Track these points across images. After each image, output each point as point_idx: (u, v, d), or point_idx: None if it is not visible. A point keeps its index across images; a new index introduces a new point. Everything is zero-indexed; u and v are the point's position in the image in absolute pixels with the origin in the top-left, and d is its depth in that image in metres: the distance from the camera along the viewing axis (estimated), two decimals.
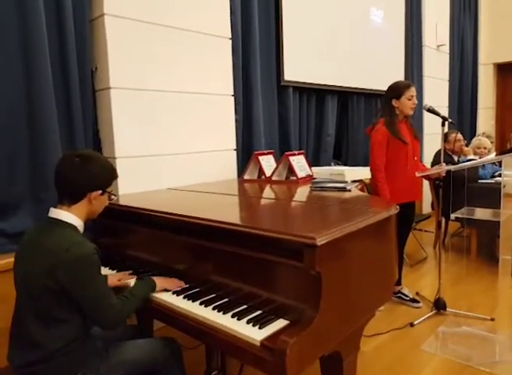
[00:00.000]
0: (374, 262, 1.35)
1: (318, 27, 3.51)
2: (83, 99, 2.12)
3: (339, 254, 1.17)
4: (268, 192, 2.15)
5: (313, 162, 3.56)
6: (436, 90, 5.17)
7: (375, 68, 4.09)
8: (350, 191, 1.90)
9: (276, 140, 3.29)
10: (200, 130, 2.60)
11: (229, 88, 2.79)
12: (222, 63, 2.73)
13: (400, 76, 4.39)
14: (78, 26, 2.07)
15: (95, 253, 1.19)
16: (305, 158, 2.56)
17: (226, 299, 1.31)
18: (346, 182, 2.13)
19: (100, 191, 1.29)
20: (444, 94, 5.43)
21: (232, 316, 1.20)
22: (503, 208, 2.35)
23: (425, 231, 4.21)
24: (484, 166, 3.55)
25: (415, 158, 2.56)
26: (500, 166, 3.33)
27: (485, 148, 3.80)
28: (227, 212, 1.65)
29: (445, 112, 5.14)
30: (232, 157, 2.84)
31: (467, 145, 3.94)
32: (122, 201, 1.82)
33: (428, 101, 4.48)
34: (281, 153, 3.03)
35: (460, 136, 3.60)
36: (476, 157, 3.67)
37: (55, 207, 1.27)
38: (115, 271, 1.64)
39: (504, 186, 2.39)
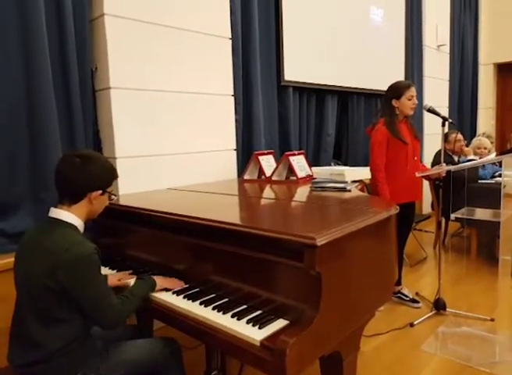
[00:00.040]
0: (374, 263, 1.35)
1: (318, 27, 3.51)
2: (83, 99, 2.12)
3: (339, 254, 1.17)
4: (268, 192, 2.15)
5: (313, 162, 3.55)
6: (436, 90, 5.17)
7: (375, 68, 4.09)
8: (350, 191, 1.90)
9: (276, 140, 3.29)
10: (201, 130, 2.60)
11: (229, 88, 2.79)
12: (222, 63, 2.73)
13: (400, 76, 4.39)
14: (78, 26, 2.07)
15: (95, 253, 1.20)
16: (305, 158, 2.56)
17: (226, 299, 1.31)
18: (346, 182, 2.13)
19: (100, 191, 1.29)
20: (444, 94, 5.43)
21: (232, 316, 1.20)
22: (503, 208, 2.35)
23: (425, 231, 4.21)
24: (484, 166, 3.55)
25: (415, 158, 2.56)
26: (500, 166, 3.33)
27: (485, 148, 3.80)
28: (227, 212, 1.66)
29: (445, 113, 5.14)
30: (232, 157, 2.84)
31: (467, 145, 3.94)
32: (123, 201, 1.82)
33: (428, 101, 4.48)
34: (281, 153, 3.03)
35: (460, 136, 3.60)
36: (476, 157, 3.67)
37: (55, 207, 1.27)
38: (115, 271, 1.64)
39: (504, 186, 2.39)
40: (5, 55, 1.85)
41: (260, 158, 2.58)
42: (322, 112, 3.74)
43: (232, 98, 2.82)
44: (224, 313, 1.22)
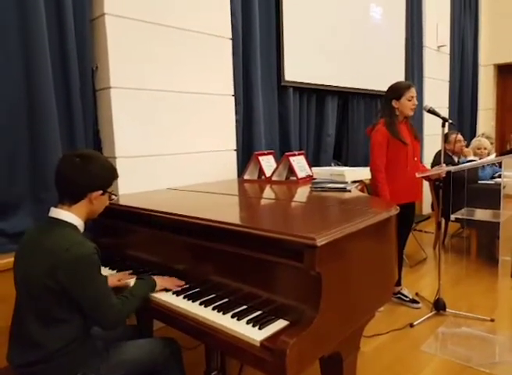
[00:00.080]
0: (374, 263, 1.35)
1: (319, 27, 3.51)
2: (84, 99, 2.12)
3: (339, 254, 1.17)
4: (268, 192, 2.15)
5: (313, 162, 3.55)
6: (436, 91, 5.17)
7: (376, 68, 4.09)
8: (350, 191, 1.90)
9: (276, 140, 3.29)
10: (201, 130, 2.60)
11: (230, 88, 2.79)
12: (223, 63, 2.73)
13: (400, 76, 4.39)
14: (78, 25, 2.07)
15: (95, 253, 1.19)
16: (305, 158, 2.56)
17: (226, 299, 1.31)
18: (346, 182, 2.13)
19: (100, 191, 1.29)
20: (444, 95, 5.43)
21: (232, 317, 1.20)
22: (502, 209, 2.35)
23: (425, 232, 4.21)
24: (483, 167, 3.55)
25: (415, 158, 2.56)
26: (500, 167, 3.34)
27: (485, 149, 3.80)
28: (227, 212, 1.65)
29: (445, 113, 5.14)
30: (233, 157, 2.84)
31: (467, 146, 3.94)
32: (123, 201, 1.82)
33: (428, 102, 4.48)
34: (281, 153, 3.03)
35: (460, 137, 3.60)
36: (476, 158, 3.67)
37: (55, 207, 1.27)
38: (115, 271, 1.64)
39: (504, 187, 2.39)
40: (5, 54, 1.85)
41: (260, 158, 2.58)
42: (322, 113, 3.74)
43: (233, 98, 2.82)
44: (224, 313, 1.22)
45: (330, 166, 3.68)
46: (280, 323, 1.14)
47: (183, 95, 2.49)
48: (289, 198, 2.00)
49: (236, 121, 2.86)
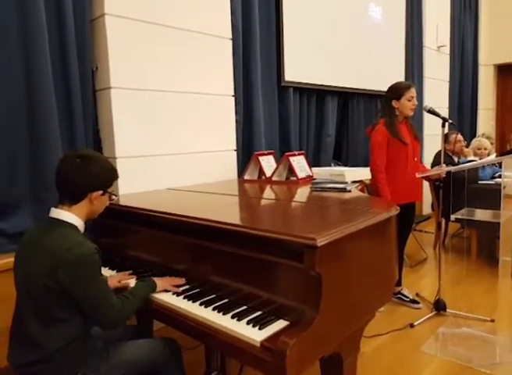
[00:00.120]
0: (374, 263, 1.35)
1: (319, 27, 3.51)
2: (84, 99, 2.12)
3: (339, 255, 1.17)
4: (268, 193, 2.15)
5: (313, 162, 3.55)
6: (436, 91, 5.17)
7: (376, 68, 4.09)
8: (350, 191, 1.90)
9: (276, 140, 3.29)
10: (201, 130, 2.60)
11: (230, 88, 2.79)
12: (223, 63, 2.73)
13: (400, 76, 4.39)
14: (78, 25, 2.07)
15: (96, 253, 1.19)
16: (305, 158, 2.56)
17: (226, 300, 1.30)
18: (346, 183, 2.13)
19: (101, 192, 1.29)
20: (444, 95, 5.43)
21: (232, 317, 1.19)
22: (503, 209, 2.35)
23: (425, 232, 4.21)
24: (484, 167, 3.55)
25: (415, 159, 2.56)
26: (500, 167, 3.33)
27: (485, 149, 3.80)
28: (227, 212, 1.65)
29: (445, 113, 5.14)
30: (233, 157, 2.84)
31: (467, 146, 3.94)
32: (123, 202, 1.82)
33: (428, 102, 4.48)
34: (281, 153, 3.03)
35: (460, 137, 3.60)
36: (476, 158, 3.67)
37: (55, 207, 1.27)
38: (115, 271, 1.64)
39: (504, 187, 2.39)
40: (5, 54, 1.85)
41: (260, 158, 2.58)
42: (322, 113, 3.74)
43: (233, 98, 2.82)
44: (224, 314, 1.22)
45: (330, 166, 3.68)
46: (280, 324, 1.14)
47: (183, 95, 2.49)
48: (290, 198, 2.00)
49: (236, 121, 2.86)
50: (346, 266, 1.20)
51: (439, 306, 2.50)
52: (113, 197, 1.39)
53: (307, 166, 2.52)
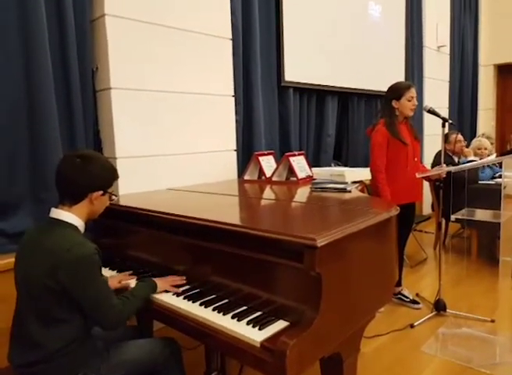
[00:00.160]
0: (374, 263, 1.35)
1: (319, 27, 3.51)
2: (84, 99, 2.12)
3: (339, 255, 1.17)
4: (268, 193, 2.15)
5: (313, 162, 3.55)
6: (436, 91, 5.17)
7: (376, 69, 4.09)
8: (350, 191, 1.90)
9: (276, 140, 3.29)
10: (201, 130, 2.60)
11: (230, 89, 2.79)
12: (223, 64, 2.73)
13: (400, 77, 4.39)
14: (79, 26, 2.07)
15: (96, 253, 1.19)
16: (305, 158, 2.56)
17: (226, 300, 1.30)
18: (346, 183, 2.13)
19: (101, 192, 1.29)
20: (444, 95, 5.43)
21: (233, 317, 1.19)
22: (503, 209, 2.35)
23: (425, 232, 4.21)
24: (483, 167, 3.55)
25: (415, 159, 2.56)
26: (500, 167, 3.33)
27: (485, 149, 3.80)
28: (227, 212, 1.65)
29: (445, 114, 5.14)
30: (233, 157, 2.84)
31: (467, 146, 3.94)
32: (123, 202, 1.82)
33: (428, 102, 4.48)
34: (281, 154, 3.03)
35: (460, 137, 3.60)
36: (476, 158, 3.67)
37: (55, 207, 1.27)
38: (115, 271, 1.64)
39: (504, 187, 2.39)
40: (6, 54, 1.85)
41: (260, 158, 2.57)
42: (322, 113, 3.74)
43: (233, 98, 2.82)
44: (224, 314, 1.22)
45: (330, 166, 3.68)
46: (280, 324, 1.14)
47: (183, 96, 2.49)
48: (290, 198, 2.00)
49: (236, 121, 2.86)
50: (346, 266, 1.20)
51: (439, 306, 2.50)
52: (113, 197, 1.39)
53: (307, 167, 2.52)
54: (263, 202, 1.91)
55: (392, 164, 2.46)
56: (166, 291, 1.39)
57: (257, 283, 1.25)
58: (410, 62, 4.60)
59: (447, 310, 2.49)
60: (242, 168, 2.83)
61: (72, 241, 1.19)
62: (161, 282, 1.40)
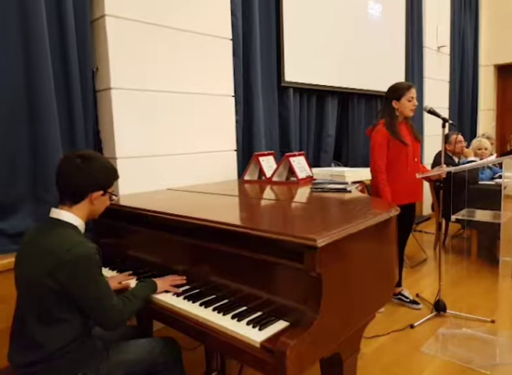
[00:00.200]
0: (374, 264, 1.35)
1: (319, 28, 3.51)
2: (84, 99, 2.12)
3: (339, 255, 1.17)
4: (268, 193, 2.15)
5: (313, 162, 3.56)
6: (437, 91, 5.17)
7: (376, 69, 4.09)
8: (350, 192, 1.90)
9: (277, 140, 3.29)
10: (201, 130, 2.60)
11: (230, 89, 2.79)
12: (223, 64, 2.73)
13: (400, 77, 4.39)
14: (79, 26, 2.07)
15: (96, 253, 1.20)
16: (305, 159, 2.56)
17: (226, 300, 1.31)
18: (346, 183, 2.13)
19: (101, 192, 1.29)
20: (444, 95, 5.43)
21: (233, 318, 1.19)
22: (503, 210, 2.34)
23: (425, 233, 4.21)
24: (483, 168, 3.55)
25: (415, 159, 2.56)
26: (500, 167, 3.33)
27: (485, 149, 3.80)
28: (227, 212, 1.65)
29: (445, 114, 5.14)
30: (233, 158, 2.84)
31: (467, 147, 3.94)
32: (123, 202, 1.82)
33: (428, 102, 4.48)
34: (281, 154, 3.03)
35: (460, 137, 3.60)
36: (477, 158, 3.67)
37: (56, 207, 1.27)
38: (115, 271, 1.64)
39: (505, 188, 2.39)
40: (6, 55, 1.85)
41: (260, 159, 2.57)
42: (323, 113, 3.74)
43: (233, 98, 2.82)
44: (224, 314, 1.22)
45: (330, 166, 3.68)
46: (280, 324, 1.14)
47: (183, 96, 2.49)
48: (290, 198, 1.99)
49: (237, 121, 2.86)
50: (346, 266, 1.20)
51: (439, 307, 2.50)
52: (113, 197, 1.39)
53: (307, 167, 2.52)
54: (263, 202, 1.91)
55: (392, 164, 2.46)
56: (166, 291, 1.39)
57: (257, 284, 1.25)
58: (410, 63, 4.60)
59: (447, 310, 2.49)
60: (242, 168, 2.83)
61: (73, 240, 1.19)
62: (161, 282, 1.40)
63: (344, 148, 4.11)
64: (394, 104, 2.48)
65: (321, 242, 1.06)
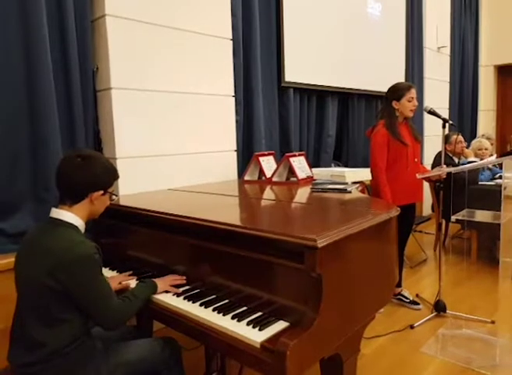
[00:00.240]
0: (374, 264, 1.35)
1: (319, 28, 3.51)
2: (84, 99, 2.12)
3: (339, 256, 1.17)
4: (268, 193, 2.15)
5: (313, 163, 3.55)
6: (437, 92, 5.17)
7: (376, 69, 4.09)
8: (350, 192, 1.90)
9: (277, 141, 3.29)
10: (201, 130, 2.60)
11: (230, 89, 2.79)
12: (223, 64, 2.73)
13: (400, 77, 4.39)
14: (79, 26, 2.07)
15: (96, 253, 1.19)
16: (306, 159, 2.56)
17: (227, 301, 1.30)
18: (346, 183, 2.13)
19: (101, 192, 1.29)
20: (445, 96, 5.43)
21: (233, 318, 1.19)
22: (503, 210, 2.35)
23: (426, 233, 4.21)
24: (483, 169, 3.55)
25: (416, 159, 2.56)
26: (500, 168, 3.33)
27: (486, 150, 3.80)
28: (228, 213, 1.65)
29: (445, 114, 5.13)
30: (233, 158, 2.84)
31: (466, 147, 3.94)
32: (123, 202, 1.82)
33: (428, 102, 4.48)
34: (281, 154, 3.03)
35: (461, 137, 3.59)
36: (477, 159, 3.67)
37: (56, 207, 1.27)
38: (115, 271, 1.64)
39: (505, 188, 2.39)
40: (7, 54, 1.85)
41: (260, 159, 2.57)
42: (323, 113, 3.74)
43: (233, 98, 2.82)
44: (224, 315, 1.22)
45: (330, 166, 3.68)
46: (280, 325, 1.14)
47: (183, 96, 2.49)
48: (290, 199, 1.99)
49: (237, 122, 2.86)
50: (346, 266, 1.20)
51: (439, 307, 2.50)
52: (113, 197, 1.39)
53: (307, 167, 2.52)
54: (263, 203, 1.91)
55: (392, 165, 2.46)
56: (166, 292, 1.39)
57: (257, 284, 1.25)
58: (410, 63, 4.60)
59: (447, 311, 2.49)
60: (242, 168, 2.83)
61: (73, 240, 1.19)
62: (161, 282, 1.40)
63: (344, 148, 4.11)
64: (394, 104, 2.48)
65: (321, 242, 1.06)
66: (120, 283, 1.49)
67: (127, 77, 2.20)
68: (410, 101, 2.47)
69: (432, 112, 2.48)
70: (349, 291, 1.22)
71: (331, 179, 2.37)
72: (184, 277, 1.45)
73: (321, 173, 2.54)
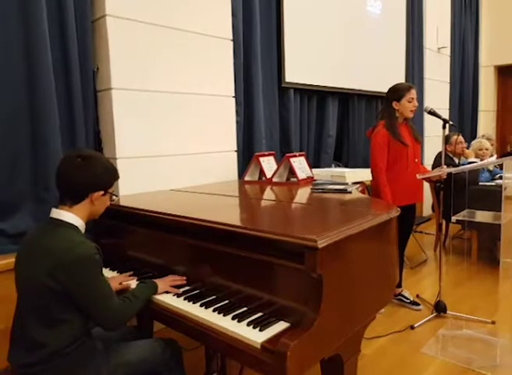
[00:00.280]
0: (375, 265, 1.35)
1: (320, 28, 3.51)
2: (85, 99, 2.12)
3: (340, 256, 1.17)
4: (268, 194, 2.15)
5: (313, 163, 3.55)
6: (437, 92, 5.17)
7: (376, 70, 4.09)
8: (350, 192, 1.90)
9: (277, 141, 3.29)
10: (202, 131, 2.60)
11: (230, 89, 2.79)
12: (224, 64, 2.73)
13: (400, 78, 4.39)
14: (80, 26, 2.07)
15: (97, 253, 1.19)
16: (306, 159, 2.56)
17: (227, 301, 1.30)
18: (346, 184, 2.13)
19: (102, 192, 1.29)
20: (445, 96, 5.43)
21: (233, 318, 1.19)
22: (503, 211, 2.35)
23: (426, 233, 4.21)
24: (483, 170, 3.55)
25: (416, 160, 2.56)
26: (500, 168, 3.33)
27: (486, 150, 3.80)
28: (228, 213, 1.65)
29: (445, 115, 5.13)
30: (233, 158, 2.84)
31: (467, 148, 3.94)
32: (123, 202, 1.82)
33: (428, 103, 4.48)
34: (282, 154, 3.03)
35: (461, 138, 3.59)
36: (477, 159, 3.67)
37: (56, 207, 1.27)
38: (115, 272, 1.64)
39: (505, 189, 2.39)
40: (7, 55, 1.85)
41: (261, 159, 2.57)
42: (323, 114, 3.74)
43: (233, 99, 2.82)
44: (224, 315, 1.22)
45: (330, 167, 3.68)
46: (281, 325, 1.14)
47: (183, 96, 2.49)
48: (290, 199, 1.99)
49: (237, 122, 2.86)
50: (346, 267, 1.20)
51: (440, 308, 2.49)
52: (114, 197, 1.39)
53: (307, 167, 2.52)
54: (264, 203, 1.91)
55: (392, 165, 2.46)
56: (167, 292, 1.39)
57: (257, 285, 1.25)
58: (410, 64, 4.60)
59: (447, 312, 2.49)
60: (242, 169, 2.83)
61: (73, 240, 1.18)
62: (161, 283, 1.40)
63: (344, 148, 4.11)
64: (394, 105, 2.48)
65: (321, 243, 1.06)
66: (121, 283, 1.49)
67: (127, 78, 2.20)
68: (410, 102, 2.47)
69: (433, 113, 2.48)
70: (349, 291, 1.21)
71: (331, 179, 2.38)
72: (184, 278, 1.45)
73: (322, 174, 2.55)
